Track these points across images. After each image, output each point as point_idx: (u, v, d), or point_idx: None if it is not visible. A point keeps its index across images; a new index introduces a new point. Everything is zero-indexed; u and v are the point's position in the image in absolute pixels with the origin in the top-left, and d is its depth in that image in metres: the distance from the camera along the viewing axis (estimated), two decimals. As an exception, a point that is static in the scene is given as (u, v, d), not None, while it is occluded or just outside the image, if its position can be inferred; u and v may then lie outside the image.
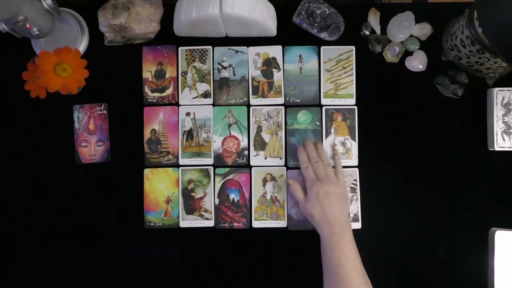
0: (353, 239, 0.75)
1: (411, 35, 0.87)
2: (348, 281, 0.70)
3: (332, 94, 0.87)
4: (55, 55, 0.78)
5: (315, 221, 0.77)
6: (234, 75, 0.88)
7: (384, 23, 0.87)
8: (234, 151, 0.87)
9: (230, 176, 0.86)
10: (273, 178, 0.86)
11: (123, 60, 0.88)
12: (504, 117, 0.83)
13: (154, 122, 0.87)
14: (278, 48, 0.88)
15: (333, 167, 0.83)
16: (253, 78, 0.88)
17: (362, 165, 0.85)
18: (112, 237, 0.85)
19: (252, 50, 0.88)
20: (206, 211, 0.86)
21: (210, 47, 0.88)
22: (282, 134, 0.87)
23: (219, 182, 0.86)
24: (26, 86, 0.83)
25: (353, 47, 0.88)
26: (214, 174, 0.86)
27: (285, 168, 0.86)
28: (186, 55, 0.88)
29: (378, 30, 0.88)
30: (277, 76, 0.88)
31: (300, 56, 0.88)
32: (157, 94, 0.88)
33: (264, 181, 0.86)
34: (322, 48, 0.88)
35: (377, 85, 0.87)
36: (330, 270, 0.73)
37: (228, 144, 0.87)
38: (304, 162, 0.82)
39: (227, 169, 0.86)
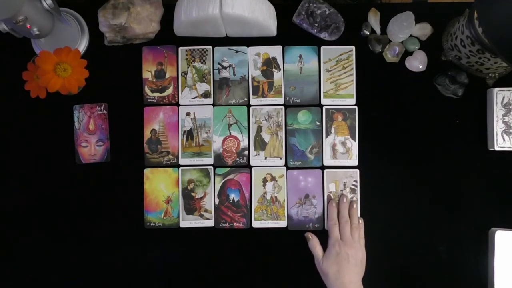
0: None
1: (411, 35, 0.87)
2: None
3: (332, 94, 0.87)
4: (55, 55, 0.78)
5: (329, 281, 0.76)
6: (234, 75, 0.88)
7: (384, 23, 0.87)
8: (234, 151, 0.87)
9: (230, 176, 0.86)
10: (273, 178, 0.86)
11: (123, 60, 0.88)
12: (504, 117, 0.83)
13: (154, 122, 0.87)
14: (278, 48, 0.88)
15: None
16: (253, 78, 0.88)
17: (362, 165, 0.85)
18: (112, 237, 0.85)
19: (252, 50, 0.88)
20: (206, 211, 0.86)
21: (210, 47, 0.88)
22: (282, 134, 0.87)
23: (219, 182, 0.86)
24: (26, 86, 0.83)
25: (353, 47, 0.87)
26: (214, 174, 0.86)
27: (285, 168, 0.86)
28: (186, 55, 0.88)
29: (378, 30, 0.88)
30: (277, 76, 0.88)
31: (300, 56, 0.88)
32: (157, 94, 0.87)
33: (264, 181, 0.86)
34: (322, 48, 0.88)
35: (377, 85, 0.87)
36: None
37: (228, 144, 0.87)
38: (332, 219, 0.81)
39: (227, 169, 0.86)
